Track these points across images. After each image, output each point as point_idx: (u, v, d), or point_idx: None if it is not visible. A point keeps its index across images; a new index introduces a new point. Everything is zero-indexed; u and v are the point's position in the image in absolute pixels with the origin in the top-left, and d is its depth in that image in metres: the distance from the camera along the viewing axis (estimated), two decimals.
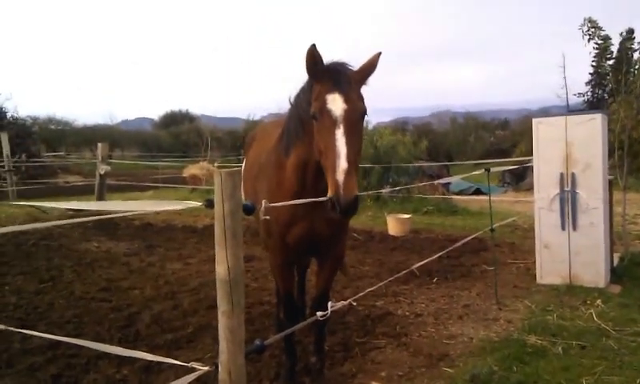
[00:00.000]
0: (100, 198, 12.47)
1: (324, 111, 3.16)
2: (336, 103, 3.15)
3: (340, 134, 3.06)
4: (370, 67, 3.39)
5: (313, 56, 3.23)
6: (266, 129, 5.13)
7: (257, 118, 48.86)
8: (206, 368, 2.58)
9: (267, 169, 4.15)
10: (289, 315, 4.34)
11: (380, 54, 3.42)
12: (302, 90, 3.63)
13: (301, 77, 3.56)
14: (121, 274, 8.14)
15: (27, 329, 4.45)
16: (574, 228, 6.93)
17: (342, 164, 2.95)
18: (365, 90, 3.38)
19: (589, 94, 33.64)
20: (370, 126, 19.35)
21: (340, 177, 2.92)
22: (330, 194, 2.97)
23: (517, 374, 4.32)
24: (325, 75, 3.27)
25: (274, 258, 4.32)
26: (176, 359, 3.01)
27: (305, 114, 3.45)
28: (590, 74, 33.22)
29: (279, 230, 4.00)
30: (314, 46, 3.20)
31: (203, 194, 17.38)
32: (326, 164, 3.09)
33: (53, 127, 44.76)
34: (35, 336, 4.74)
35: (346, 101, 3.16)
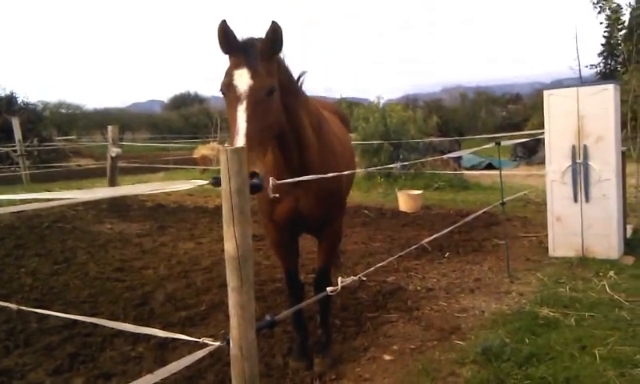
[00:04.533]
0: (112, 180, 12.53)
1: (230, 87, 3.11)
2: (242, 79, 3.08)
3: (242, 111, 3.01)
4: (273, 39, 3.22)
5: (223, 32, 3.14)
6: None
7: None
8: (218, 343, 2.60)
9: None
10: (291, 291, 4.42)
11: (275, 22, 3.18)
12: None
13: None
14: (134, 254, 8.22)
15: (43, 309, 4.52)
16: (587, 200, 6.88)
17: (240, 141, 2.90)
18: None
19: (601, 65, 33.10)
20: (381, 104, 19.14)
21: None
22: None
23: (529, 346, 4.32)
24: (235, 50, 3.19)
25: (268, 237, 4.39)
26: (190, 336, 3.04)
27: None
28: (602, 45, 32.66)
29: (265, 208, 4.03)
30: (224, 21, 3.12)
31: (214, 174, 17.36)
32: (230, 141, 3.04)
33: (64, 111, 45.04)
34: (51, 316, 4.81)
35: (253, 76, 3.09)
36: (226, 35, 3.15)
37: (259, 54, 3.16)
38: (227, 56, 3.25)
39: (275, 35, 3.20)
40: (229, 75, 3.15)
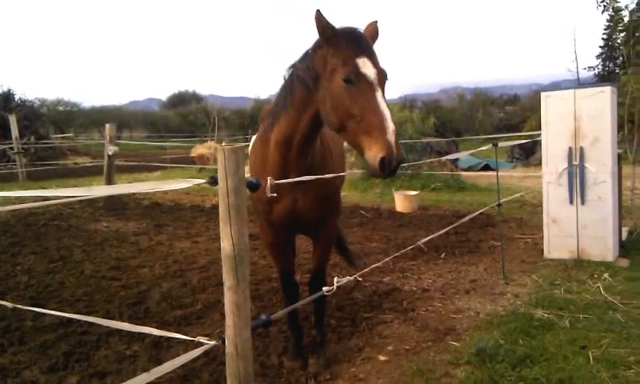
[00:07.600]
0: (109, 178, 12.52)
1: (359, 75, 3.12)
2: (368, 67, 3.13)
3: (380, 97, 3.07)
4: (374, 35, 3.38)
5: (320, 21, 3.19)
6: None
7: (264, 97, 48.81)
8: (213, 342, 2.61)
9: (255, 144, 4.16)
10: (286, 292, 4.40)
11: (375, 22, 3.42)
12: (300, 59, 3.54)
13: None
14: (130, 252, 8.21)
15: (39, 307, 4.52)
16: (582, 202, 6.90)
17: (391, 125, 2.95)
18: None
19: (599, 67, 33.24)
20: None
21: (391, 138, 2.91)
22: (381, 154, 2.91)
23: (523, 347, 4.34)
24: (345, 39, 3.22)
25: (264, 237, 4.36)
26: (185, 335, 3.05)
27: (303, 81, 3.42)
28: (600, 47, 32.82)
29: (263, 208, 4.02)
30: (319, 11, 3.16)
31: (211, 172, 17.34)
32: (367, 127, 3.02)
33: (61, 109, 44.94)
34: (47, 314, 4.82)
35: (375, 64, 3.17)
36: (323, 24, 3.21)
37: (371, 44, 3.30)
38: (329, 44, 3.26)
39: (376, 33, 3.38)
40: (352, 64, 3.14)
